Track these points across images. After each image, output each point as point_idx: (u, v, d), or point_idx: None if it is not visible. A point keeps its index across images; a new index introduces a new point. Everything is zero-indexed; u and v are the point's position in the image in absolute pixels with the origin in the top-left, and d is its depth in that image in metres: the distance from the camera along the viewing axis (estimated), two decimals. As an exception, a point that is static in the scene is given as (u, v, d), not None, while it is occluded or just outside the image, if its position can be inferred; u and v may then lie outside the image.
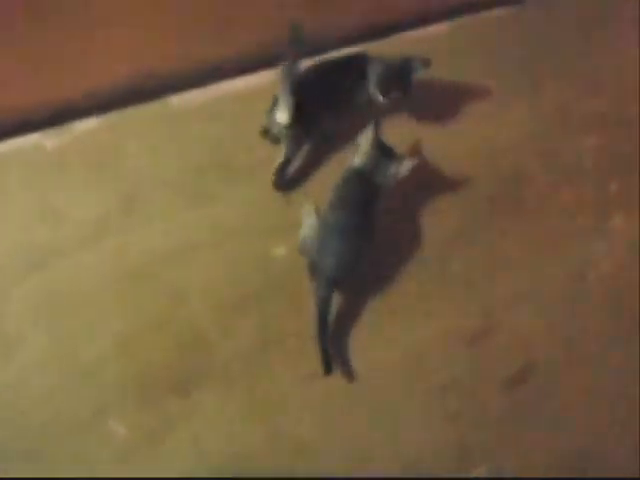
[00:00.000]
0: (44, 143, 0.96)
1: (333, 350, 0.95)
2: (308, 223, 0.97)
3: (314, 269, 0.95)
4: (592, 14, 1.19)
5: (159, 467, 0.91)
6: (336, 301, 0.97)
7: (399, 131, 1.04)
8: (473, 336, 1.02)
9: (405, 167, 0.97)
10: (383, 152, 0.97)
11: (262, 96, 0.99)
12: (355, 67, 1.01)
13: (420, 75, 1.01)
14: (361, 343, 0.98)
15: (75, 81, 0.96)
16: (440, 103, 1.08)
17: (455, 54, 1.11)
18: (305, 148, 1.01)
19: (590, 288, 1.07)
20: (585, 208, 1.11)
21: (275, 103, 0.96)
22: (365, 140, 0.97)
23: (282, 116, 0.94)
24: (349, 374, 0.97)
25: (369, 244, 0.97)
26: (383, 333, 1.00)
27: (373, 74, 1.00)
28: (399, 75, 1.00)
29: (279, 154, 0.99)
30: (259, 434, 0.94)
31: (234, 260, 0.99)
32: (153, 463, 0.91)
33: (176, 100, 1.02)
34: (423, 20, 1.13)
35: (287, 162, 0.99)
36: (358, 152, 0.97)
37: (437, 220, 1.04)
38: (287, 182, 1.01)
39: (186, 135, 1.02)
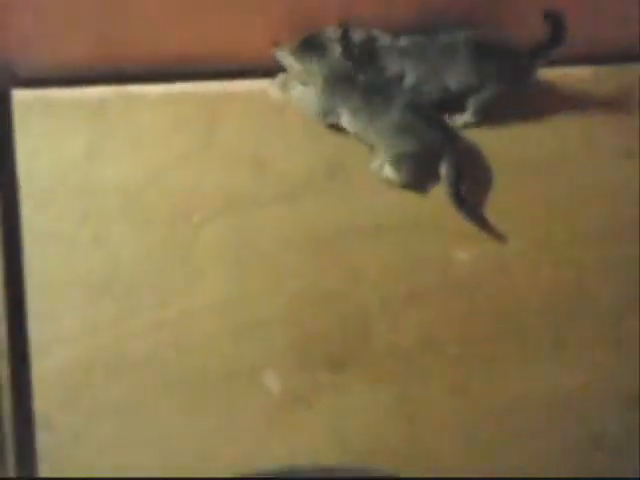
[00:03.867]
0: (267, 91, 0.95)
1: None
2: None
3: None
4: None
5: (298, 435, 0.92)
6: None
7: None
8: None
9: None
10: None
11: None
12: None
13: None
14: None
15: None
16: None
17: None
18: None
19: None
20: None
21: None
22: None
23: None
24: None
25: None
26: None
27: None
28: None
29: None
30: (396, 435, 0.94)
31: (413, 252, 0.96)
32: (295, 429, 0.92)
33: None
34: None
35: None
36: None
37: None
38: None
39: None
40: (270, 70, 0.93)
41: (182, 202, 0.88)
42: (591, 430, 0.97)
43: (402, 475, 0.92)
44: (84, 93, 0.90)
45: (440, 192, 0.96)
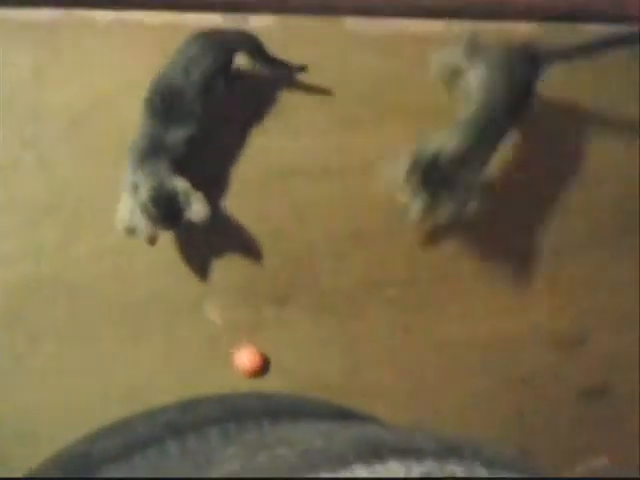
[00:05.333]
0: (218, 24, 0.95)
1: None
2: None
3: None
4: None
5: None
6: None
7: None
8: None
9: None
10: None
11: (441, 44, 0.98)
12: None
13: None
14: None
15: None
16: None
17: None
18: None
19: None
20: None
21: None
22: None
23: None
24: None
25: None
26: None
27: None
28: None
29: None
30: (336, 369, 0.96)
31: (359, 193, 0.98)
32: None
33: (352, 23, 1.01)
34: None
35: None
36: None
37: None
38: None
39: (352, 60, 1.00)
40: (223, 3, 0.93)
41: (128, 130, 0.88)
42: (521, 370, 1.01)
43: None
44: (34, 14, 0.89)
45: (389, 135, 0.98)
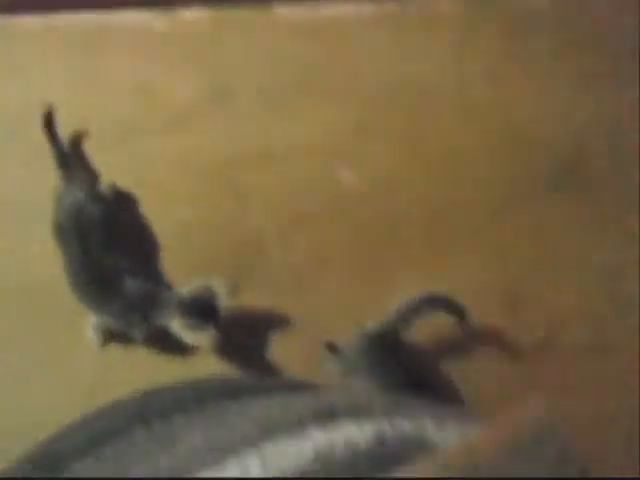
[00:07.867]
0: (152, 24, 0.96)
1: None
2: None
3: None
4: None
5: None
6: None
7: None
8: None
9: None
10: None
11: (371, 26, 1.02)
12: None
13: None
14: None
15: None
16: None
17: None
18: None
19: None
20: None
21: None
22: None
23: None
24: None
25: None
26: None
27: None
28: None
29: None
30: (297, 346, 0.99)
31: (303, 175, 1.01)
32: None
33: (282, 11, 1.03)
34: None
35: None
36: None
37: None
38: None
39: (283, 47, 1.03)
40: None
41: (70, 131, 0.89)
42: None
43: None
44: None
45: (325, 119, 1.02)
